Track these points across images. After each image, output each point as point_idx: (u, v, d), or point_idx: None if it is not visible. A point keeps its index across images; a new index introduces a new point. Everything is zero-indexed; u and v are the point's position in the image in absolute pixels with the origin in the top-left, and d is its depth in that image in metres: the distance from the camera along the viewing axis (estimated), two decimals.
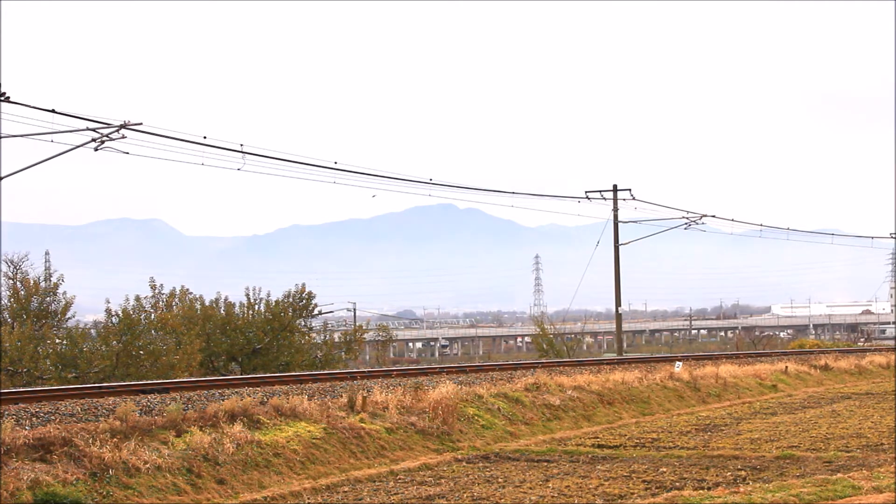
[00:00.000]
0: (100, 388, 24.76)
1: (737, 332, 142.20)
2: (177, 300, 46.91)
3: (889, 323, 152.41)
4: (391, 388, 26.15)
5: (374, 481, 19.69)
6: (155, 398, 22.70)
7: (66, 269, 52.80)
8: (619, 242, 54.32)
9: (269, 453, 19.77)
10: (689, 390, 35.19)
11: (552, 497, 17.66)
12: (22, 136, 27.30)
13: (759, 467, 20.56)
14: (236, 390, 24.93)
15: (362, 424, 22.54)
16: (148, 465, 17.47)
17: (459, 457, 22.57)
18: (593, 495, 17.68)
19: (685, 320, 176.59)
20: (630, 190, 53.84)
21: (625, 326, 77.71)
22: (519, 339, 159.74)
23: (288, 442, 20.45)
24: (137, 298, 43.58)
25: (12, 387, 32.82)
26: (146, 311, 43.52)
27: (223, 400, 22.30)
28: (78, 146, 28.47)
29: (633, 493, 17.77)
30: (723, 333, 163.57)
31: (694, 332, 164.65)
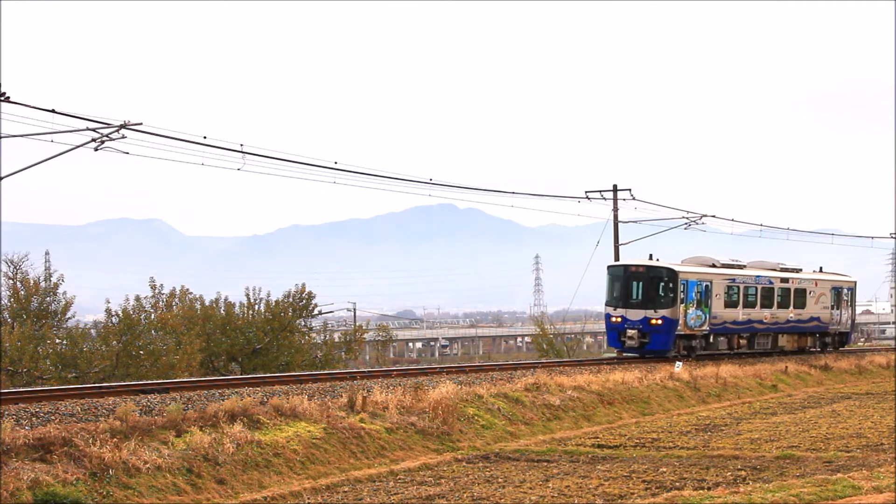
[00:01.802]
0: (100, 388, 24.76)
1: None
2: (177, 300, 46.89)
3: (889, 323, 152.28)
4: (391, 388, 26.16)
5: (374, 481, 19.69)
6: (155, 398, 22.70)
7: (66, 269, 52.72)
8: (619, 242, 54.25)
9: (269, 453, 19.77)
10: (689, 390, 35.20)
11: (552, 497, 17.67)
12: (22, 136, 27.25)
13: (759, 467, 20.57)
14: (236, 390, 24.92)
15: (362, 424, 22.54)
16: (148, 465, 17.47)
17: (459, 457, 22.57)
18: (593, 495, 17.68)
19: None
20: (630, 190, 53.68)
21: None
22: (519, 339, 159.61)
23: (288, 442, 20.45)
24: (137, 298, 43.56)
25: (12, 387, 32.81)
26: (146, 311, 43.51)
27: (223, 400, 22.30)
28: (78, 146, 28.42)
29: (633, 493, 17.77)
30: None
31: None
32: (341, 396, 24.19)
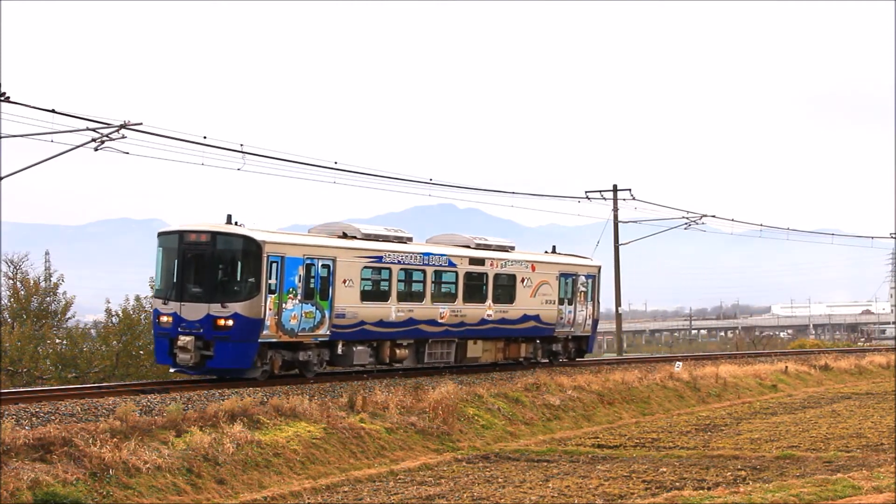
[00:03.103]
0: (100, 388, 24.79)
1: (737, 332, 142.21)
2: None
3: (889, 323, 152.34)
4: (391, 388, 26.19)
5: (374, 481, 19.71)
6: (155, 398, 22.73)
7: (66, 269, 52.64)
8: (619, 242, 54.34)
9: (269, 453, 19.79)
10: (689, 390, 35.21)
11: (552, 497, 17.68)
12: (22, 136, 27.33)
13: (759, 467, 20.58)
14: (236, 390, 24.93)
15: (362, 424, 22.56)
16: (148, 465, 17.48)
17: (459, 457, 22.59)
18: (593, 495, 17.70)
19: (685, 320, 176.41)
20: (630, 190, 53.89)
21: (625, 326, 77.78)
22: None
23: (288, 442, 20.47)
24: (137, 298, 43.55)
25: (12, 387, 32.82)
26: (146, 311, 43.51)
27: (223, 400, 22.34)
28: (78, 146, 28.50)
29: (633, 493, 17.79)
30: (723, 333, 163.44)
31: (694, 332, 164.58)
32: (341, 396, 24.23)
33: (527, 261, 35.79)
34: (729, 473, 19.75)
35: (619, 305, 55.31)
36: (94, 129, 28.15)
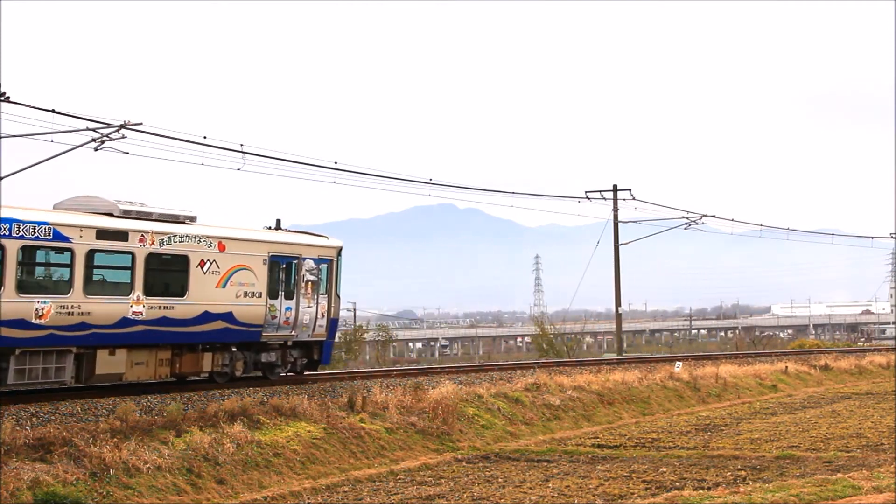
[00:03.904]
0: (100, 388, 24.75)
1: (737, 332, 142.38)
2: None
3: (889, 323, 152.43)
4: (391, 388, 26.20)
5: (374, 481, 19.71)
6: (155, 398, 22.73)
7: None
8: (619, 242, 54.34)
9: (269, 453, 19.79)
10: (689, 390, 35.21)
11: (552, 497, 17.68)
12: (22, 136, 27.31)
13: (759, 467, 20.58)
14: (236, 390, 24.95)
15: (362, 424, 22.57)
16: (148, 465, 17.49)
17: (459, 457, 22.60)
18: (593, 495, 17.69)
19: (685, 320, 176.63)
20: (630, 190, 53.90)
21: (625, 326, 77.71)
22: (519, 339, 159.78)
23: (288, 442, 20.47)
24: None
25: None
26: None
27: (223, 400, 22.36)
28: (78, 146, 28.49)
29: (633, 493, 17.78)
30: (723, 333, 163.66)
31: (694, 332, 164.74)
32: (341, 396, 24.24)
33: (210, 237, 25.48)
34: (729, 473, 19.75)
35: (619, 305, 55.34)
36: (94, 129, 28.15)
